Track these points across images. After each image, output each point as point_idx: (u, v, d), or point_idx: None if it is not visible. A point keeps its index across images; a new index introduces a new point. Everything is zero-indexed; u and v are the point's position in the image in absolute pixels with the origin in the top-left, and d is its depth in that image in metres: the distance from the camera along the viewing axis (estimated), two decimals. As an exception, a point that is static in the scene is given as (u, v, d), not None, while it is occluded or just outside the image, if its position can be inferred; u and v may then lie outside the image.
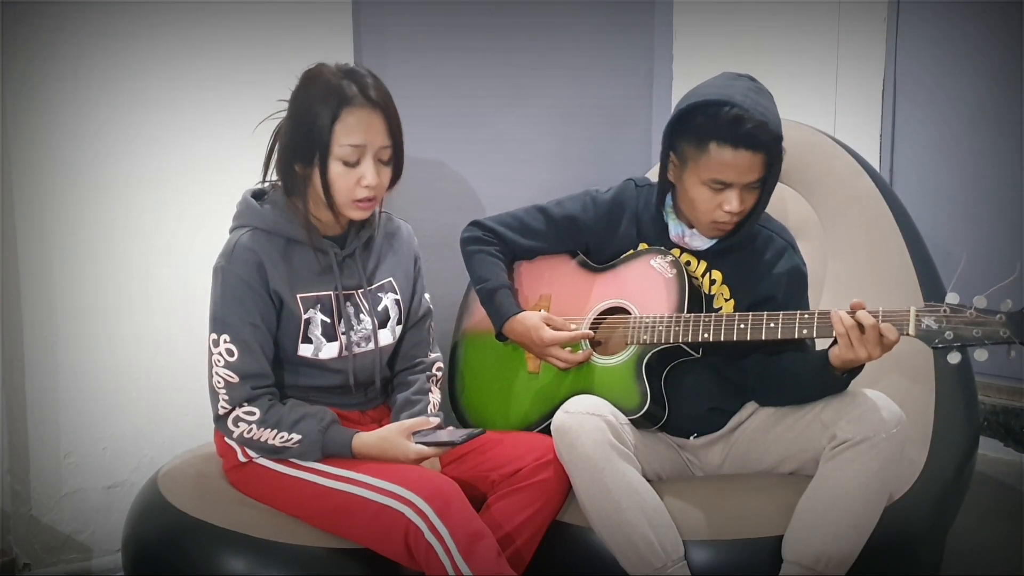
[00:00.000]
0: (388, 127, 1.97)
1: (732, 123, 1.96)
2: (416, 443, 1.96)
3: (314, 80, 1.96)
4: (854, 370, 1.96)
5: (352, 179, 1.96)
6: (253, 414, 1.97)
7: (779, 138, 2.00)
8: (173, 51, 2.42)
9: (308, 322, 2.02)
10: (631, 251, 2.22)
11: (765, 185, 2.05)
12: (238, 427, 1.97)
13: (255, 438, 1.97)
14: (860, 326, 1.86)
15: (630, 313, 2.16)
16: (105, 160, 2.37)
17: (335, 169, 1.95)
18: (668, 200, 2.18)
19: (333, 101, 1.93)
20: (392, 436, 1.97)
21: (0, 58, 2.24)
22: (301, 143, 1.96)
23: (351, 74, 1.96)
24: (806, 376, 2.02)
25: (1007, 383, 2.87)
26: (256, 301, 1.98)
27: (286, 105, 2.01)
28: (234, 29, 2.48)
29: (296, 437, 1.96)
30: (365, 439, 1.97)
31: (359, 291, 2.09)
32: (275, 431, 1.96)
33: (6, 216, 2.30)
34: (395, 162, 2.01)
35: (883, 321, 1.85)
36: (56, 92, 2.31)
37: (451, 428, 2.07)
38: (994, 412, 2.88)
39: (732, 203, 2.02)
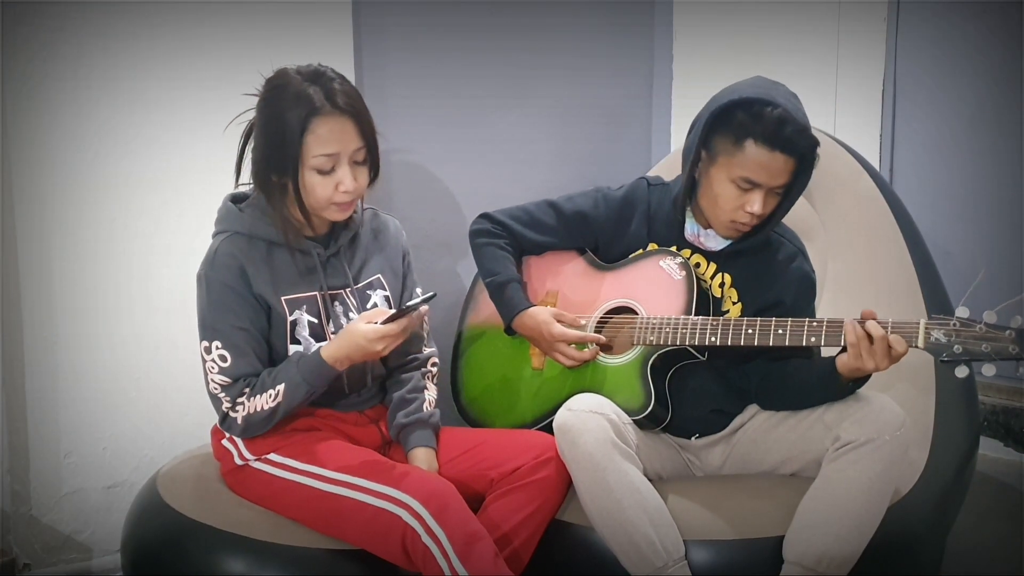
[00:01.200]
0: (359, 129, 1.95)
1: (775, 124, 1.95)
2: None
3: (281, 90, 1.94)
4: (860, 379, 1.96)
5: (330, 186, 1.95)
6: (244, 393, 1.98)
7: (815, 144, 1.99)
8: (173, 51, 2.41)
9: (295, 323, 2.02)
10: (640, 251, 2.22)
11: (789, 193, 2.05)
12: (237, 412, 1.98)
13: (252, 411, 1.97)
14: (869, 336, 1.86)
15: (637, 313, 2.16)
16: (105, 160, 2.37)
17: (311, 179, 1.95)
18: None
19: (302, 111, 1.91)
20: (350, 327, 1.95)
21: (0, 58, 2.24)
22: (274, 154, 1.95)
23: (317, 78, 1.94)
24: (811, 383, 2.02)
25: (1007, 383, 2.87)
26: (243, 305, 1.98)
27: (252, 101, 1.99)
28: (234, 29, 2.48)
29: (280, 387, 1.96)
30: (329, 347, 1.96)
31: (346, 290, 2.08)
32: (262, 393, 1.97)
33: (6, 216, 2.29)
34: (371, 160, 2.00)
35: (892, 332, 1.85)
36: (56, 92, 2.31)
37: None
38: (994, 412, 2.88)
39: (756, 204, 2.01)
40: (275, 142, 1.94)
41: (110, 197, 2.39)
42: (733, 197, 2.03)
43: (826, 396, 2.00)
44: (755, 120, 1.96)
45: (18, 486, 2.36)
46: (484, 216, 2.35)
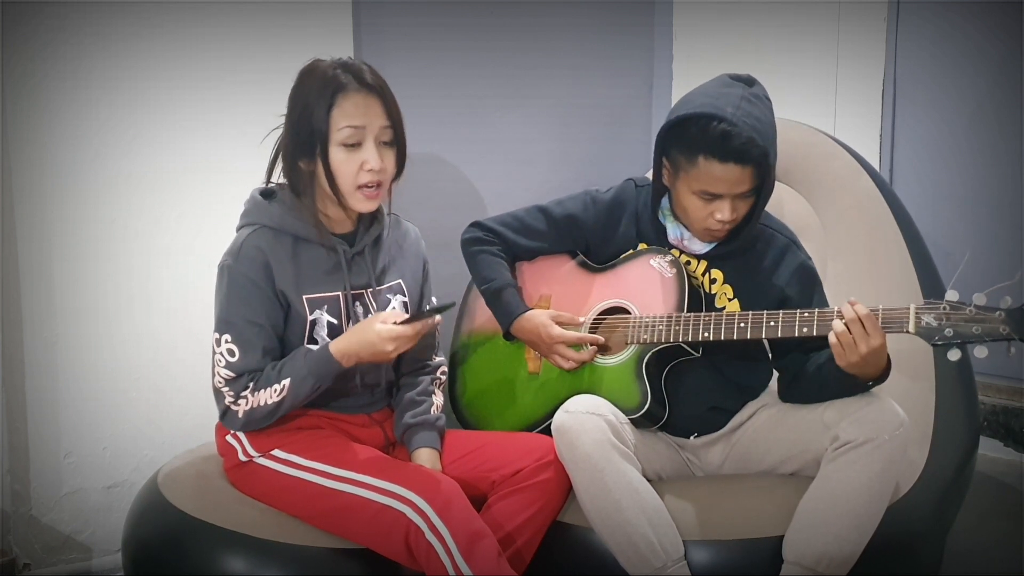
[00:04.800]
0: (386, 109, 1.97)
1: (720, 138, 1.94)
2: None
3: (309, 75, 1.98)
4: (879, 378, 1.95)
5: (355, 164, 1.96)
6: (247, 387, 1.97)
7: (765, 152, 1.96)
8: (173, 51, 2.41)
9: (314, 323, 2.02)
10: (631, 251, 2.22)
11: (760, 192, 2.04)
12: (239, 406, 1.97)
13: (256, 406, 1.96)
14: (860, 321, 1.85)
15: (630, 313, 2.16)
16: (105, 160, 2.37)
17: (337, 155, 1.95)
18: (665, 203, 2.18)
19: (328, 90, 1.94)
20: (364, 323, 1.95)
21: (0, 58, 2.24)
22: (302, 137, 1.96)
23: (346, 65, 1.98)
24: (831, 378, 1.99)
25: (1007, 383, 2.87)
26: (262, 300, 1.98)
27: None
28: (234, 29, 2.48)
29: (285, 382, 1.94)
30: (339, 342, 1.95)
31: (368, 291, 2.08)
32: (267, 388, 1.95)
33: (6, 216, 2.29)
34: (397, 146, 2.01)
35: (883, 318, 1.86)
36: (56, 92, 2.31)
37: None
38: (994, 412, 2.88)
39: (724, 212, 2.01)
40: (303, 123, 1.95)
41: (110, 197, 2.39)
42: (700, 208, 2.03)
43: (843, 392, 1.99)
44: (702, 135, 1.96)
45: (18, 486, 2.36)
46: (475, 224, 2.36)
